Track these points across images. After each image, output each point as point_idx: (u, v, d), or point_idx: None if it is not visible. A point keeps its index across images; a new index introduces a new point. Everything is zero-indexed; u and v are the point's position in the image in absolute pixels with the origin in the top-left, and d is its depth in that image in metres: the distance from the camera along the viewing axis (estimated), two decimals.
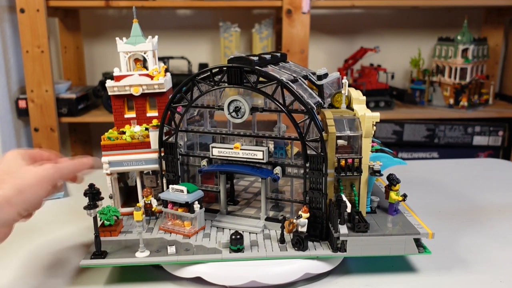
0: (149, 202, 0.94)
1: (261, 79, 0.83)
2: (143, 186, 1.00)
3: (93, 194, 0.78)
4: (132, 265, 0.79)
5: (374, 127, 0.81)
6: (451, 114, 2.23)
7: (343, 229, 0.78)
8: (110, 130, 0.99)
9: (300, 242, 0.79)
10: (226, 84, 0.86)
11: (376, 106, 2.25)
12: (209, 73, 0.87)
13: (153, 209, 0.95)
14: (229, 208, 0.97)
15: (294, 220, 0.80)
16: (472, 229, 0.99)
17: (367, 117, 0.80)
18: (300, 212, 0.81)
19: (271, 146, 0.89)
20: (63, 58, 2.41)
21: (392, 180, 0.87)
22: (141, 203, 0.94)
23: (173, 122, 0.92)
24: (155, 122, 0.99)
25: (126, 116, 1.01)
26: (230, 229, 0.89)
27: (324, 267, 0.79)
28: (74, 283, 0.80)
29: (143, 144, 0.96)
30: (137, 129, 0.99)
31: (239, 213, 0.95)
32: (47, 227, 0.99)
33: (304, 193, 0.84)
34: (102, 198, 0.80)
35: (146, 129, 0.98)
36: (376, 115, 0.81)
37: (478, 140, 2.30)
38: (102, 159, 0.95)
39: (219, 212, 0.95)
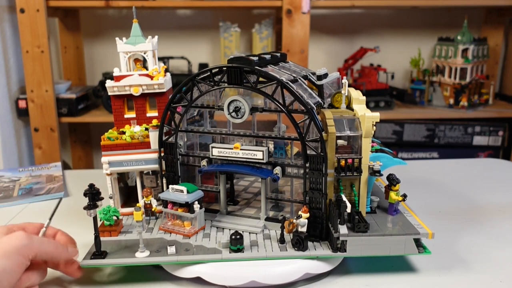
0: (149, 202, 0.94)
1: (261, 79, 0.83)
2: (143, 186, 1.00)
3: (93, 194, 0.78)
4: (132, 265, 0.79)
5: (374, 127, 0.80)
6: (451, 114, 2.23)
7: (343, 229, 0.78)
8: (110, 130, 0.99)
9: (300, 242, 0.79)
10: (226, 84, 0.86)
11: (376, 106, 2.25)
12: (209, 73, 0.87)
13: (153, 209, 0.95)
14: (229, 208, 0.97)
15: (294, 220, 0.80)
16: (472, 229, 0.99)
17: (367, 117, 0.80)
18: (300, 212, 0.81)
19: (271, 146, 0.89)
20: (63, 58, 2.41)
21: (392, 180, 0.87)
22: (141, 203, 0.94)
23: (173, 122, 0.92)
24: (155, 122, 0.99)
25: (126, 116, 1.01)
26: (230, 229, 0.89)
27: (324, 267, 0.79)
28: (74, 283, 0.80)
29: (143, 144, 0.96)
30: (137, 129, 0.99)
31: (239, 213, 0.95)
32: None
33: (304, 193, 0.84)
34: (102, 198, 0.80)
35: (146, 129, 0.98)
36: (376, 115, 0.80)
37: (478, 140, 2.30)
38: (102, 159, 0.96)
39: (219, 212, 0.95)
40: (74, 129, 2.53)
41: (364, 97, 0.89)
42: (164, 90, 0.99)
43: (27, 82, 2.01)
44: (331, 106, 0.95)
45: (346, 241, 0.78)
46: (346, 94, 0.92)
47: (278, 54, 0.98)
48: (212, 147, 0.90)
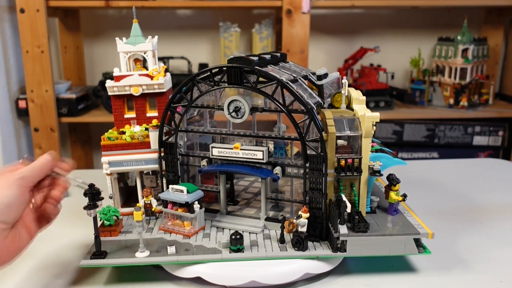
0: (149, 202, 0.95)
1: (261, 79, 0.83)
2: (143, 186, 1.00)
3: (93, 194, 0.78)
4: (132, 265, 0.79)
5: (374, 127, 0.80)
6: (451, 114, 2.23)
7: (343, 229, 0.78)
8: (110, 130, 0.99)
9: (300, 242, 0.79)
10: (226, 84, 0.86)
11: (376, 106, 2.25)
12: (209, 73, 0.87)
13: (153, 209, 0.95)
14: (229, 208, 0.97)
15: (294, 220, 0.80)
16: (472, 229, 0.99)
17: (367, 117, 0.80)
18: (300, 212, 0.81)
19: (271, 146, 0.89)
20: (63, 58, 2.41)
21: (392, 180, 0.87)
22: (141, 203, 0.94)
23: (173, 122, 0.92)
24: (155, 122, 0.99)
25: (126, 116, 1.01)
26: (230, 229, 0.89)
27: (324, 267, 0.79)
28: (74, 283, 0.80)
29: (143, 144, 0.96)
30: (137, 129, 0.99)
31: (239, 213, 0.95)
32: (47, 227, 0.99)
33: (304, 193, 0.84)
34: (102, 198, 0.80)
35: (146, 129, 0.98)
36: (376, 115, 0.81)
37: (478, 140, 2.30)
38: (102, 159, 0.96)
39: (219, 212, 0.95)
40: (74, 129, 2.52)
41: (364, 97, 0.90)
42: (164, 90, 0.99)
43: (27, 82, 2.01)
44: (331, 106, 0.95)
45: (346, 241, 0.78)
46: (346, 94, 0.92)
47: (278, 54, 0.98)
48: (212, 147, 0.90)
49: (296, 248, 0.80)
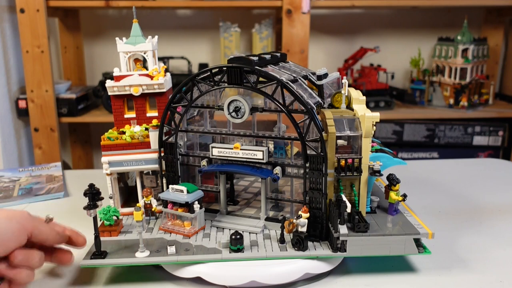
0: (149, 202, 0.95)
1: (261, 79, 0.83)
2: (143, 186, 1.00)
3: (93, 194, 0.78)
4: (132, 265, 0.79)
5: (374, 127, 0.80)
6: (451, 114, 2.23)
7: (343, 229, 0.78)
8: (110, 130, 0.99)
9: (300, 242, 0.79)
10: (226, 84, 0.86)
11: (376, 106, 2.25)
12: (209, 73, 0.87)
13: (153, 209, 0.95)
14: (229, 208, 0.97)
15: (294, 220, 0.80)
16: (472, 229, 0.99)
17: (367, 117, 0.80)
18: (300, 212, 0.81)
19: (271, 146, 0.89)
20: (63, 58, 2.41)
21: (392, 180, 0.87)
22: (141, 203, 0.94)
23: (173, 122, 0.92)
24: (155, 122, 0.99)
25: (126, 116, 1.01)
26: (230, 229, 0.89)
27: (324, 267, 0.79)
28: (74, 283, 0.80)
29: (143, 144, 0.96)
30: (137, 129, 0.99)
31: (239, 213, 0.95)
32: None
33: (304, 193, 0.84)
34: (102, 198, 0.80)
35: (146, 129, 0.98)
36: (376, 115, 0.80)
37: (478, 140, 2.30)
38: (102, 159, 0.96)
39: (219, 212, 0.95)
40: (74, 129, 2.53)
41: (364, 97, 0.89)
42: (164, 90, 0.99)
43: (27, 82, 2.01)
44: (331, 106, 0.95)
45: (346, 241, 0.78)
46: (346, 94, 0.92)
47: (278, 54, 0.98)
48: (212, 147, 0.90)
49: (296, 248, 0.80)
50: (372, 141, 0.92)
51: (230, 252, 0.80)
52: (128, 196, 1.05)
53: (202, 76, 0.88)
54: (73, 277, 0.81)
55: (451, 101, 2.28)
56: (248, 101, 0.86)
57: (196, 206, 0.87)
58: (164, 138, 0.93)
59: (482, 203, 1.14)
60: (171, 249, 0.80)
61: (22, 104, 2.12)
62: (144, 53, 1.00)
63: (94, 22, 2.47)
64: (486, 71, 2.40)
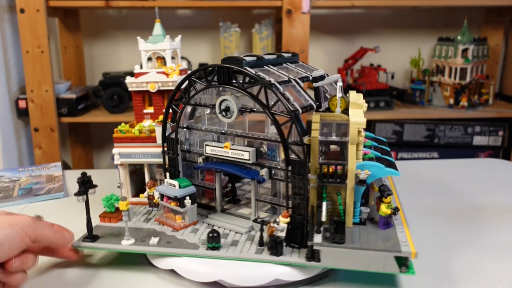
0: (152, 193, 0.98)
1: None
2: (151, 178, 1.05)
3: (83, 181, 0.83)
4: (114, 251, 0.84)
5: (363, 134, 0.76)
6: (451, 114, 2.23)
7: (317, 238, 0.74)
8: (122, 124, 1.05)
9: (273, 247, 0.77)
10: (217, 84, 0.86)
11: (376, 106, 2.25)
12: (202, 72, 0.88)
13: (154, 201, 0.98)
14: (226, 206, 0.97)
15: (272, 224, 0.78)
16: (472, 229, 0.99)
17: (352, 123, 0.75)
18: (280, 217, 0.79)
19: (265, 147, 0.88)
20: (63, 58, 2.42)
21: (383, 192, 0.80)
22: (145, 194, 1.00)
23: (173, 119, 0.93)
24: (161, 117, 1.01)
25: (145, 111, 1.08)
26: (219, 227, 0.89)
27: (297, 275, 0.75)
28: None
29: (150, 139, 1.00)
30: (147, 123, 1.04)
31: (234, 212, 0.95)
32: None
33: (286, 198, 0.82)
34: (95, 186, 0.84)
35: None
36: (362, 121, 0.75)
37: (478, 140, 2.30)
38: (113, 150, 1.02)
39: (214, 209, 0.95)
40: (74, 129, 2.53)
41: (363, 102, 0.86)
42: None
43: (27, 82, 2.01)
44: (328, 109, 0.92)
45: (320, 251, 0.74)
46: (341, 96, 0.87)
47: (290, 54, 0.98)
48: (206, 145, 0.91)
49: (270, 252, 0.78)
50: (371, 147, 0.90)
51: (206, 249, 0.80)
52: (143, 187, 1.08)
53: (197, 75, 0.89)
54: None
55: (451, 101, 2.28)
56: (236, 101, 0.85)
57: (187, 201, 0.89)
58: (168, 133, 0.95)
59: (482, 203, 1.14)
60: (153, 240, 0.83)
61: (22, 104, 2.12)
62: (163, 52, 1.06)
63: (94, 22, 2.47)
64: (486, 71, 2.40)
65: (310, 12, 2.05)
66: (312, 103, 0.86)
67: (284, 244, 0.79)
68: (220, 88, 0.91)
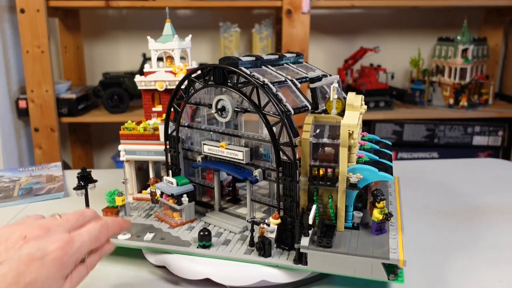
0: (154, 190, 0.99)
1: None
2: (156, 175, 1.07)
3: (83, 176, 0.85)
4: None
5: (355, 136, 0.75)
6: (451, 114, 2.23)
7: (304, 241, 0.74)
8: (129, 121, 1.07)
9: (261, 248, 0.77)
10: (213, 84, 0.87)
11: (376, 106, 2.25)
12: (199, 72, 0.88)
13: (156, 198, 0.99)
14: (225, 205, 0.98)
15: (262, 225, 0.77)
16: (472, 229, 0.99)
17: (343, 125, 0.75)
18: (270, 218, 0.78)
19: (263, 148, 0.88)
20: (63, 58, 2.42)
21: (376, 196, 0.78)
22: (147, 190, 1.02)
23: (174, 118, 0.94)
24: (164, 116, 1.02)
25: (154, 109, 1.10)
26: (215, 226, 0.90)
27: (284, 277, 0.75)
28: None
29: (154, 136, 1.02)
30: (152, 121, 1.06)
31: (231, 212, 0.95)
32: None
33: (277, 199, 0.81)
34: (95, 181, 0.87)
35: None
36: (353, 124, 0.75)
37: (478, 140, 2.30)
38: (119, 146, 1.04)
39: (212, 208, 0.96)
40: (74, 129, 2.53)
41: (360, 104, 0.84)
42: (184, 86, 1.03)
43: (27, 82, 2.01)
44: (324, 111, 0.92)
45: (306, 253, 0.74)
46: (338, 98, 0.85)
47: (294, 54, 0.98)
48: (204, 144, 0.92)
49: (258, 253, 0.78)
50: (367, 150, 0.88)
51: (197, 247, 0.80)
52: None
53: (195, 75, 0.89)
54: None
55: (451, 101, 2.28)
56: (231, 100, 0.85)
57: (185, 199, 0.90)
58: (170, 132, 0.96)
59: (482, 203, 1.14)
60: (148, 236, 0.84)
61: (22, 104, 2.12)
62: (172, 51, 1.08)
63: (94, 22, 2.47)
64: (486, 71, 2.40)
65: (310, 12, 2.05)
66: (308, 104, 0.85)
67: (275, 245, 0.79)
68: (219, 88, 0.91)
